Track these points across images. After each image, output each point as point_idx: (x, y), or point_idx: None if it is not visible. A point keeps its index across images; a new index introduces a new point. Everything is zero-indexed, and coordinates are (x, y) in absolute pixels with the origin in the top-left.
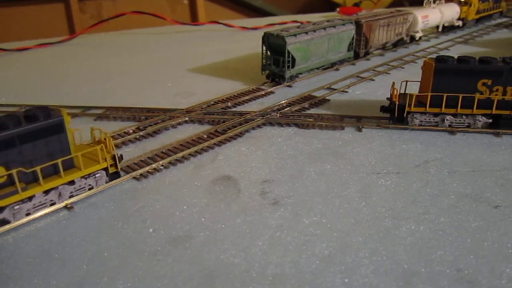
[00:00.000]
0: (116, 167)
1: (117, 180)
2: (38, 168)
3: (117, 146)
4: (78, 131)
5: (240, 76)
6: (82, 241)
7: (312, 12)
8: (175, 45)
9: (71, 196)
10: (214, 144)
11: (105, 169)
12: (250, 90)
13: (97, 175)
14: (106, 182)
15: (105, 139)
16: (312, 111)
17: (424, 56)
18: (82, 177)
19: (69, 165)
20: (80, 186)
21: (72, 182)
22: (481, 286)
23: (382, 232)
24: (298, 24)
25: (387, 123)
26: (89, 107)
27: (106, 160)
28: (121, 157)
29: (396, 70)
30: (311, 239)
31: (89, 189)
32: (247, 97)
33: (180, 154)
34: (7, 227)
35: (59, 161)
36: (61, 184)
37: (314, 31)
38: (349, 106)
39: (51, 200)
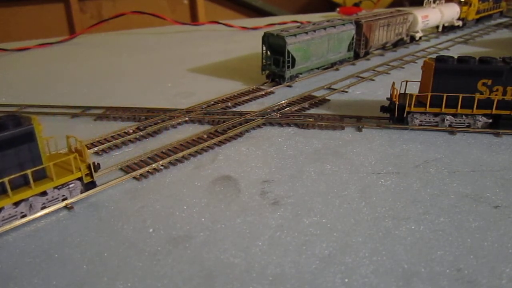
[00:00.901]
0: (92, 177)
1: (117, 180)
2: (6, 180)
3: (117, 146)
4: (54, 139)
5: (240, 76)
6: (82, 241)
7: (312, 12)
8: (175, 45)
9: (43, 208)
10: (214, 144)
11: (80, 179)
12: (250, 90)
13: (71, 186)
14: (82, 192)
15: (80, 147)
16: (312, 111)
17: (424, 56)
18: (55, 187)
19: (41, 175)
20: (53, 197)
21: (44, 193)
22: (481, 286)
23: (382, 232)
24: (298, 24)
25: (387, 123)
26: (89, 107)
27: (80, 170)
28: (98, 166)
29: (396, 70)
30: (311, 239)
31: (63, 199)
32: (247, 97)
33: (180, 154)
34: (6, 227)
35: (28, 171)
36: (32, 196)
37: (314, 31)
38: (349, 106)
39: (22, 212)
